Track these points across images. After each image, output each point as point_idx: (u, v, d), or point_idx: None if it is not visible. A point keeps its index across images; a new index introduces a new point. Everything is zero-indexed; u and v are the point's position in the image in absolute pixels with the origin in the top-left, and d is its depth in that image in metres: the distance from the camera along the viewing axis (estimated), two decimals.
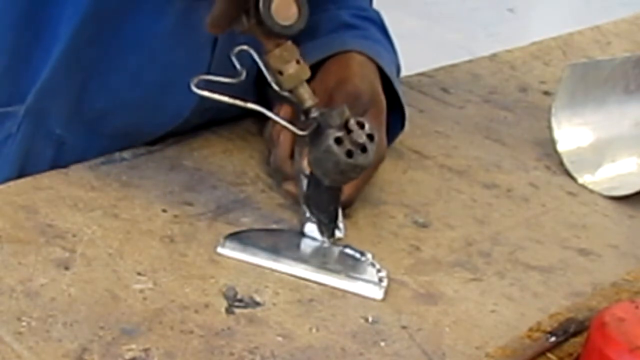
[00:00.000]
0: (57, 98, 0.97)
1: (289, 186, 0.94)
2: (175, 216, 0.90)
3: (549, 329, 0.81)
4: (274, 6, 0.83)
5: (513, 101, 1.26)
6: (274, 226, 0.91)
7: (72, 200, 0.90)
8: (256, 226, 0.90)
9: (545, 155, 1.12)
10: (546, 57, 1.42)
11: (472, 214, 0.99)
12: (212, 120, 1.05)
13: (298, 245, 0.88)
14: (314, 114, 0.86)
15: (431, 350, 0.79)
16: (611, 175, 1.10)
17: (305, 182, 0.91)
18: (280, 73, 0.86)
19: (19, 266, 0.80)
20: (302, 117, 0.88)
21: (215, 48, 0.98)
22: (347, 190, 0.91)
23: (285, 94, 0.87)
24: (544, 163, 1.11)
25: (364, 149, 0.85)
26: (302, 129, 0.87)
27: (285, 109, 0.93)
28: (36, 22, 0.94)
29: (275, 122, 0.91)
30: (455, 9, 4.22)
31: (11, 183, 0.91)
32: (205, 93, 0.86)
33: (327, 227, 0.89)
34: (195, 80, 0.85)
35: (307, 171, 0.90)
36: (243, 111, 1.00)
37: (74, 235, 0.85)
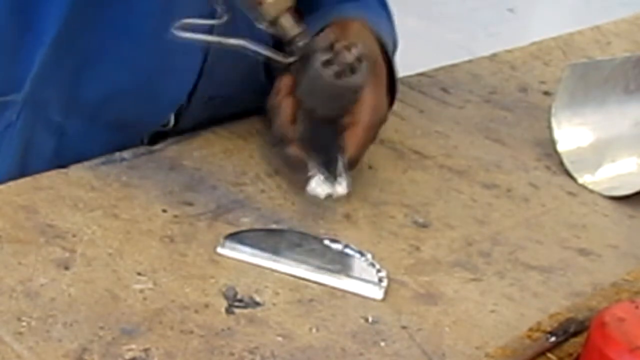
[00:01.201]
0: (54, 85, 0.97)
1: (293, 149, 0.92)
2: (175, 216, 0.90)
3: (549, 329, 0.81)
4: None
5: (513, 101, 1.26)
6: (274, 226, 0.91)
7: (72, 200, 0.90)
8: (256, 226, 0.90)
9: (545, 155, 1.12)
10: (546, 57, 1.42)
11: (472, 214, 0.99)
12: (214, 117, 1.05)
13: (298, 245, 0.88)
14: (300, 42, 0.85)
15: (431, 350, 0.79)
16: (611, 175, 1.10)
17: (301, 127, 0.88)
18: (260, 3, 0.83)
19: (19, 266, 0.80)
20: (287, 48, 0.85)
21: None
22: (351, 148, 0.91)
23: (269, 29, 0.84)
24: (544, 163, 1.11)
25: (352, 70, 0.83)
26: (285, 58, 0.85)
27: (286, 80, 0.91)
28: (26, 9, 0.94)
29: (281, 89, 0.89)
30: (455, 9, 4.21)
31: (11, 183, 0.91)
32: (187, 34, 0.84)
33: (329, 166, 0.86)
34: (178, 24, 0.83)
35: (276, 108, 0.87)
36: (245, 106, 1.01)
37: (74, 235, 0.85)
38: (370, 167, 1.04)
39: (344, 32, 0.98)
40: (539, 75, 1.35)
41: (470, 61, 1.37)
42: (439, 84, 1.27)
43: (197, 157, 1.00)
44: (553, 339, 0.80)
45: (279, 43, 0.88)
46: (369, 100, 0.94)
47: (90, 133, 0.99)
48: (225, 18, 0.85)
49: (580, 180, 1.08)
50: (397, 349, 0.78)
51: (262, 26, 0.85)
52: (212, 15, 0.91)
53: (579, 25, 1.57)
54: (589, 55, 1.43)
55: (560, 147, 1.12)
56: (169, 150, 1.01)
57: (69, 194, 0.91)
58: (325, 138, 0.86)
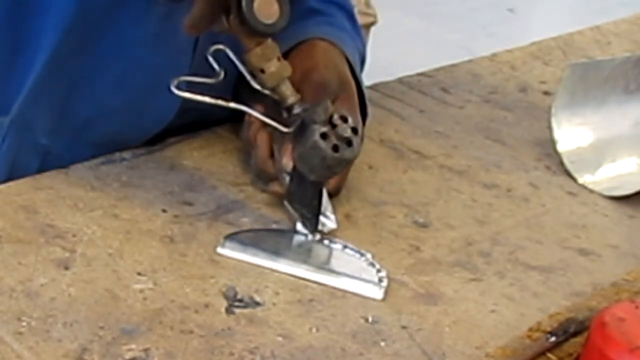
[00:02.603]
0: (42, 108, 0.96)
1: (275, 187, 0.93)
2: (175, 216, 0.90)
3: (549, 329, 0.81)
4: (256, 5, 0.83)
5: (513, 101, 1.26)
6: (274, 226, 0.91)
7: (72, 200, 0.90)
8: (256, 226, 0.90)
9: (545, 155, 1.12)
10: (546, 57, 1.42)
11: (472, 214, 0.99)
12: (195, 123, 1.04)
13: (298, 246, 0.88)
14: (297, 110, 0.86)
15: (431, 350, 0.79)
16: (611, 175, 1.10)
17: (287, 179, 0.91)
18: (262, 71, 0.86)
19: (19, 266, 0.80)
20: (285, 114, 0.87)
21: (195, 50, 0.98)
22: (334, 180, 0.91)
23: (267, 92, 0.87)
24: (544, 163, 1.11)
25: (349, 143, 0.86)
26: (285, 126, 0.87)
27: (259, 109, 0.91)
28: (19, 33, 0.93)
29: (253, 122, 0.92)
30: (455, 9, 4.22)
31: (11, 183, 0.91)
32: (187, 94, 0.86)
33: (311, 221, 0.89)
34: (175, 81, 0.85)
35: (289, 168, 0.90)
36: (225, 113, 1.00)
37: (74, 235, 0.85)
38: (370, 167, 1.04)
39: (310, 55, 0.98)
40: (539, 75, 1.35)
41: (470, 61, 1.37)
42: (439, 84, 1.27)
43: (197, 157, 1.00)
44: (553, 339, 0.80)
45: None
46: None
47: (75, 152, 0.97)
48: (222, 76, 0.86)
49: (580, 180, 1.08)
50: (397, 349, 0.78)
51: (262, 90, 0.87)
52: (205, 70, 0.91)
53: (579, 25, 1.57)
54: (589, 55, 1.43)
55: (560, 147, 1.12)
56: (169, 150, 1.01)
57: (69, 194, 0.91)
58: (311, 196, 0.89)
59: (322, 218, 0.90)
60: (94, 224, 0.87)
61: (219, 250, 0.86)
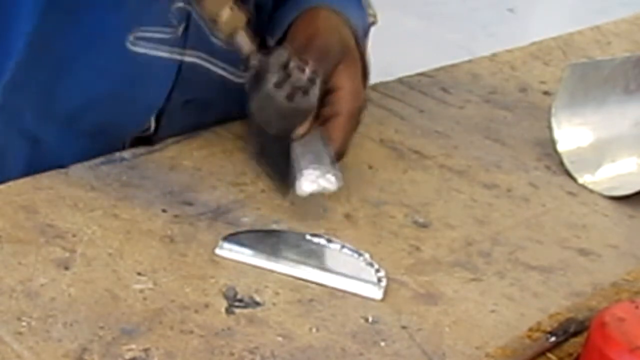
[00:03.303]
0: (27, 94, 0.96)
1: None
2: (175, 216, 0.90)
3: (549, 329, 0.81)
4: None
5: (513, 101, 1.26)
6: (274, 226, 0.91)
7: (72, 200, 0.90)
8: (256, 226, 0.90)
9: (545, 155, 1.12)
10: (546, 57, 1.42)
11: (472, 214, 0.99)
12: (198, 123, 1.04)
13: (297, 246, 0.88)
14: (254, 60, 0.85)
15: (431, 350, 0.79)
16: (611, 175, 1.10)
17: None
18: (215, 22, 0.84)
19: (19, 266, 0.80)
20: (242, 66, 0.86)
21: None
22: (336, 140, 0.91)
23: (226, 45, 0.85)
24: (544, 163, 1.11)
25: (305, 91, 0.83)
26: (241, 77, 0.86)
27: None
28: None
29: (214, 71, 0.91)
30: (455, 9, 4.21)
31: (11, 183, 0.91)
32: (142, 49, 0.85)
33: (281, 181, 0.86)
34: (131, 37, 0.84)
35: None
36: (227, 111, 1.00)
37: (74, 235, 0.85)
38: (370, 167, 1.04)
39: (313, 21, 0.98)
40: (539, 75, 1.35)
41: (470, 61, 1.37)
42: (439, 84, 1.27)
43: (197, 157, 1.00)
44: (553, 339, 0.80)
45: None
46: (347, 88, 0.94)
47: (66, 141, 0.98)
48: (180, 30, 0.85)
49: (580, 180, 1.08)
50: (397, 349, 0.78)
51: (219, 42, 0.86)
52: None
53: (579, 25, 1.57)
54: (589, 55, 1.43)
55: (560, 147, 1.12)
56: (169, 150, 1.01)
57: (69, 194, 0.91)
58: (278, 151, 0.87)
59: (321, 180, 0.88)
60: (94, 224, 0.87)
61: (217, 251, 0.86)
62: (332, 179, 0.90)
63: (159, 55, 0.86)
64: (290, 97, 0.82)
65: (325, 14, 1.00)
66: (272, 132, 0.84)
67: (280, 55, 0.83)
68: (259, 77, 0.83)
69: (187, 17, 0.91)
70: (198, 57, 0.89)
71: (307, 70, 0.84)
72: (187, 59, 0.86)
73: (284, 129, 0.86)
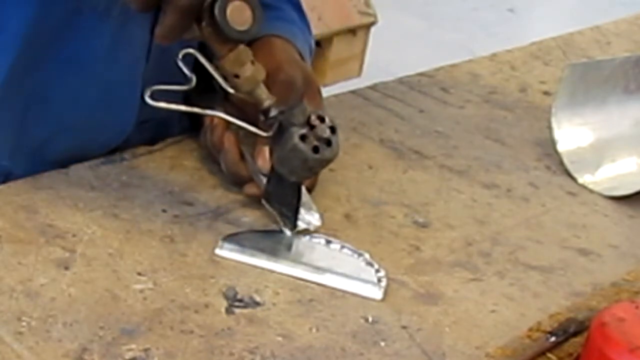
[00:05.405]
0: (1, 130, 0.95)
1: (251, 189, 0.93)
2: (175, 216, 0.90)
3: (549, 329, 0.81)
4: (228, 12, 0.82)
5: (513, 101, 1.26)
6: (274, 226, 0.91)
7: (72, 200, 0.90)
8: (256, 226, 0.90)
9: (545, 155, 1.12)
10: (546, 57, 1.42)
11: (472, 214, 0.99)
12: (155, 140, 1.03)
13: (297, 246, 0.88)
14: (274, 112, 0.86)
15: (431, 350, 0.79)
16: (611, 175, 1.10)
17: (264, 180, 0.91)
18: (237, 76, 0.85)
19: (19, 266, 0.80)
20: (262, 118, 0.87)
21: (148, 62, 0.98)
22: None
23: (242, 95, 0.86)
24: (544, 163, 1.11)
25: (328, 143, 0.85)
26: (262, 130, 0.87)
27: (224, 112, 0.91)
28: None
29: (217, 126, 0.93)
30: (455, 9, 4.22)
31: (11, 183, 0.91)
32: (162, 104, 0.85)
33: (291, 219, 0.89)
34: (149, 92, 0.84)
35: (265, 170, 0.90)
36: (184, 124, 1.00)
37: (74, 235, 0.85)
38: (370, 167, 1.04)
39: (272, 54, 0.97)
40: (539, 75, 1.36)
41: (470, 61, 1.37)
42: (439, 84, 1.27)
43: (197, 157, 1.00)
44: (553, 339, 0.80)
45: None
46: None
47: (35, 171, 0.95)
48: (194, 82, 0.85)
49: (580, 180, 1.08)
50: (397, 349, 0.78)
51: (237, 94, 0.86)
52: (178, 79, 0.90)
53: (579, 25, 1.57)
54: (589, 55, 1.44)
55: (560, 147, 1.12)
56: (169, 150, 1.01)
57: (69, 194, 0.91)
58: (290, 195, 0.89)
59: (306, 216, 0.90)
60: (94, 224, 0.87)
61: (217, 252, 0.86)
62: (316, 215, 0.92)
63: (180, 110, 0.85)
64: (315, 149, 0.85)
65: (280, 44, 1.00)
66: (291, 180, 0.87)
67: (304, 108, 0.85)
68: (282, 130, 0.85)
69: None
70: (222, 112, 0.89)
71: (327, 120, 0.86)
72: (209, 112, 0.86)
73: (304, 179, 0.89)
